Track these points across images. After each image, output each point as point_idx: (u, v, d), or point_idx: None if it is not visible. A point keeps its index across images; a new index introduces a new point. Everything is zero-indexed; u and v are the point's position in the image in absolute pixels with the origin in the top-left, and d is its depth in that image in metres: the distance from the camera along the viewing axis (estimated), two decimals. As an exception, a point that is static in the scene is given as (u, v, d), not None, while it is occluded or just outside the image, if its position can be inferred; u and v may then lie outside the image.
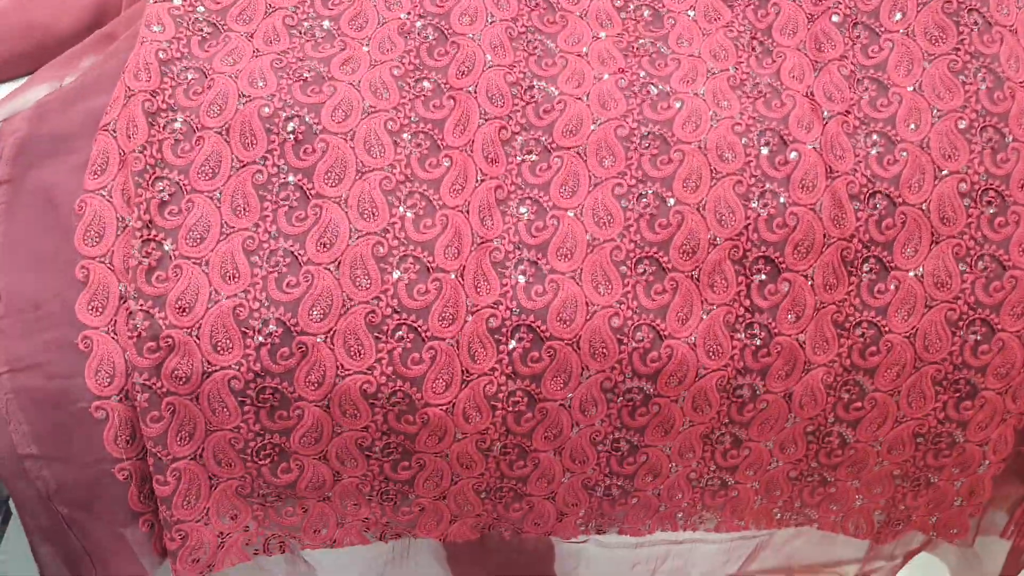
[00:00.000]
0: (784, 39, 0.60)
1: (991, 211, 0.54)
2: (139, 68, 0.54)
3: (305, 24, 0.58)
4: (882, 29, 0.58)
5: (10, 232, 0.52)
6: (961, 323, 0.54)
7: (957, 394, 0.56)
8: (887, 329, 0.54)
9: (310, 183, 0.53)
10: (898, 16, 0.58)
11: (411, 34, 0.58)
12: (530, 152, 0.56)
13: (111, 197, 0.52)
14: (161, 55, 0.54)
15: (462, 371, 0.51)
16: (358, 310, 0.50)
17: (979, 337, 0.54)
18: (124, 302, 0.50)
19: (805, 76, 0.58)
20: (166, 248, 0.51)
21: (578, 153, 0.55)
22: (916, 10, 0.58)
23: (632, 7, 0.61)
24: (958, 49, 0.57)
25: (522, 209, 0.54)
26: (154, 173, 0.52)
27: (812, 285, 0.53)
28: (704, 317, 0.53)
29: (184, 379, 0.49)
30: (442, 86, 0.57)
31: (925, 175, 0.54)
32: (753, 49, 0.59)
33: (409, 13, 0.59)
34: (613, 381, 0.52)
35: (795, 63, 0.58)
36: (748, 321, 0.53)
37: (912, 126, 0.55)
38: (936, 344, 0.54)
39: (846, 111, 0.56)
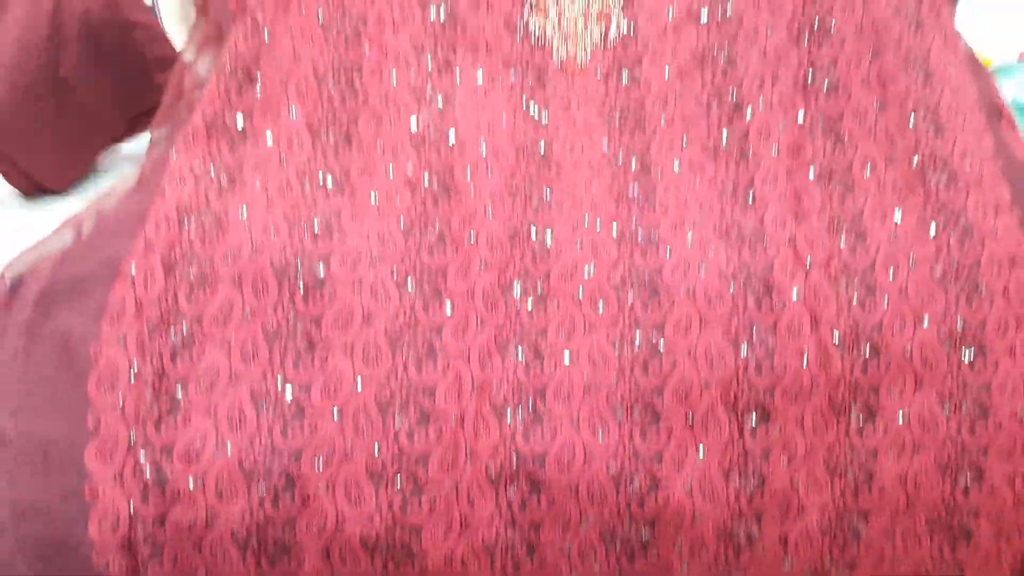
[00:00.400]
0: (766, 189, 0.63)
1: (970, 356, 0.56)
2: (160, 220, 0.57)
3: (318, 174, 0.62)
4: (858, 180, 0.62)
5: (26, 376, 0.54)
6: (950, 466, 0.55)
7: (951, 537, 0.56)
8: (878, 472, 0.55)
9: (317, 331, 0.55)
10: (868, 171, 0.62)
11: (416, 187, 0.62)
12: (528, 298, 0.58)
13: (126, 345, 0.54)
14: (181, 206, 0.58)
15: (461, 519, 0.52)
16: (359, 457, 0.52)
17: (968, 480, 0.55)
18: (132, 450, 0.51)
19: (788, 224, 0.61)
20: (177, 396, 0.53)
21: (573, 299, 0.58)
22: (884, 166, 0.62)
23: (620, 158, 0.66)
24: (928, 200, 0.61)
25: (520, 355, 0.56)
26: (168, 321, 0.55)
27: (803, 429, 0.55)
28: (699, 462, 0.54)
29: (188, 528, 0.50)
30: (445, 235, 0.60)
31: (906, 321, 0.56)
32: (737, 198, 0.63)
33: (412, 163, 0.63)
34: (612, 527, 0.53)
35: (777, 211, 0.62)
36: (742, 465, 0.55)
37: (891, 273, 0.58)
38: (927, 486, 0.55)
39: (827, 258, 0.59)
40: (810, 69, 0.67)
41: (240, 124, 0.62)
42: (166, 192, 0.59)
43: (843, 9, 0.66)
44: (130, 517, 0.50)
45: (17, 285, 0.58)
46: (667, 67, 0.69)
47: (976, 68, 0.70)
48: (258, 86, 0.62)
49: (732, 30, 0.69)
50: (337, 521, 0.51)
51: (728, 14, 0.69)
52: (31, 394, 0.53)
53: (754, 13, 0.69)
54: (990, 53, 1.13)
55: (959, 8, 1.09)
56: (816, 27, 0.68)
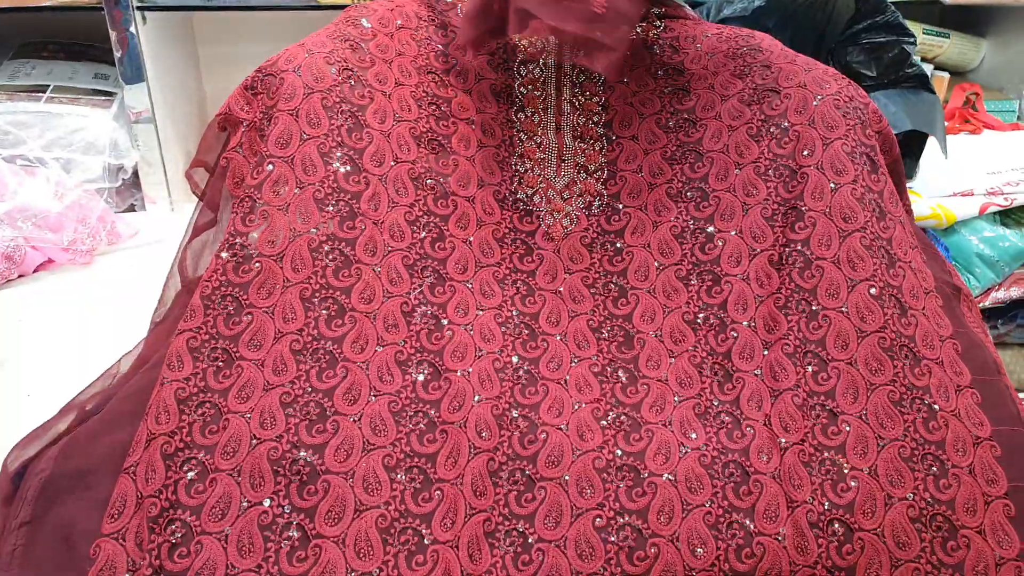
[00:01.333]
0: (743, 364, 0.67)
1: (942, 535, 0.58)
2: (159, 411, 0.59)
3: (310, 349, 0.63)
4: (829, 358, 0.66)
5: (24, 575, 0.54)
6: None
7: None
8: None
9: (311, 523, 0.57)
10: (841, 348, 0.66)
11: (407, 365, 0.65)
12: (515, 483, 0.61)
13: (124, 541, 0.55)
14: (179, 394, 0.60)
15: None
16: None
17: None
18: None
19: (763, 403, 0.64)
20: None
21: (559, 484, 0.60)
22: (857, 342, 0.66)
23: (607, 331, 0.70)
24: (895, 381, 0.64)
25: (508, 542, 0.58)
26: (168, 516, 0.56)
27: None
28: None
29: None
30: (435, 420, 0.62)
31: (876, 501, 0.59)
32: (715, 374, 0.67)
33: (405, 342, 0.66)
34: None
35: (753, 389, 0.65)
36: None
37: (861, 454, 0.61)
38: None
39: (801, 440, 0.62)
40: (784, 248, 0.71)
41: (236, 301, 0.64)
42: (165, 380, 0.60)
43: (812, 196, 0.71)
44: None
45: (20, 475, 0.59)
46: (649, 240, 0.75)
47: (931, 253, 0.75)
48: (255, 264, 0.64)
49: (711, 210, 0.74)
50: None
51: (707, 197, 0.75)
52: None
53: (730, 196, 0.74)
54: (953, 208, 1.20)
55: (923, 167, 1.17)
56: (788, 209, 0.73)
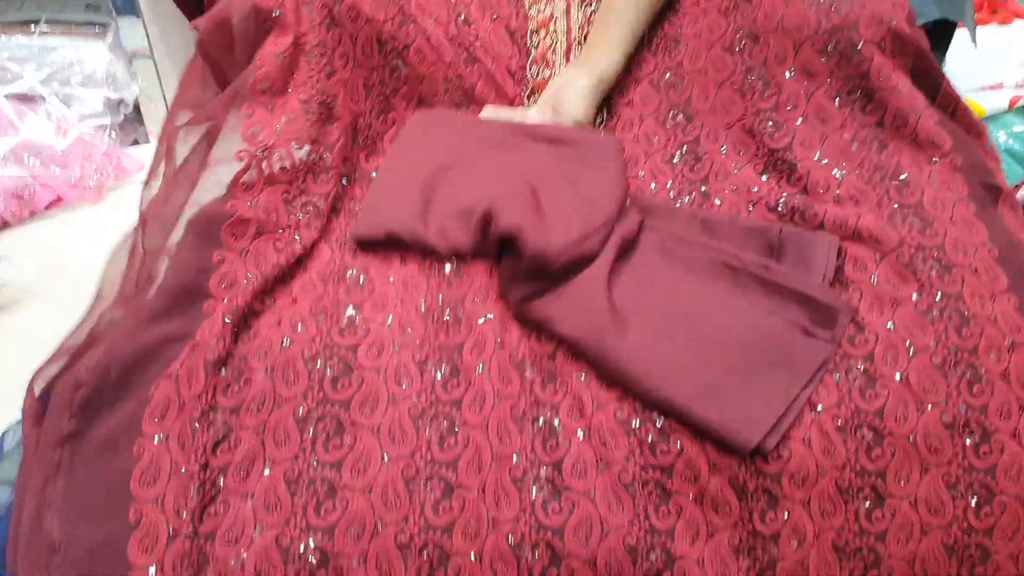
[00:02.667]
0: None
1: (974, 440, 0.58)
2: (214, 324, 0.61)
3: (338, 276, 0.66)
4: (849, 282, 0.65)
5: (70, 485, 0.56)
6: (957, 547, 0.57)
7: None
8: (887, 554, 0.57)
9: (347, 414, 0.58)
10: (860, 271, 0.65)
11: (429, 314, 0.65)
12: (540, 371, 0.62)
13: (168, 442, 0.56)
14: (227, 319, 0.62)
15: None
16: (388, 531, 0.54)
17: (975, 560, 0.57)
18: (172, 542, 0.53)
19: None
20: (219, 484, 0.55)
21: (582, 381, 0.61)
22: (876, 263, 0.65)
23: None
24: (921, 292, 0.63)
25: (535, 428, 0.59)
26: (209, 417, 0.57)
27: (810, 513, 0.56)
28: (710, 540, 0.56)
29: None
30: (459, 315, 0.64)
31: (908, 408, 0.58)
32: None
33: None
34: None
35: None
36: (751, 545, 0.56)
37: (890, 363, 0.60)
38: (935, 568, 0.57)
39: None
40: (780, 199, 0.72)
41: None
42: (216, 308, 0.63)
43: (802, 145, 0.73)
44: None
45: (49, 396, 0.60)
46: None
47: (970, 151, 0.72)
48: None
49: (705, 172, 0.76)
50: None
51: (701, 159, 0.76)
52: (76, 501, 0.55)
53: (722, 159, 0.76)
54: (982, 102, 1.15)
55: (951, 59, 1.12)
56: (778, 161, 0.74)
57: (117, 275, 0.67)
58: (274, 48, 0.73)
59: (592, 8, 0.86)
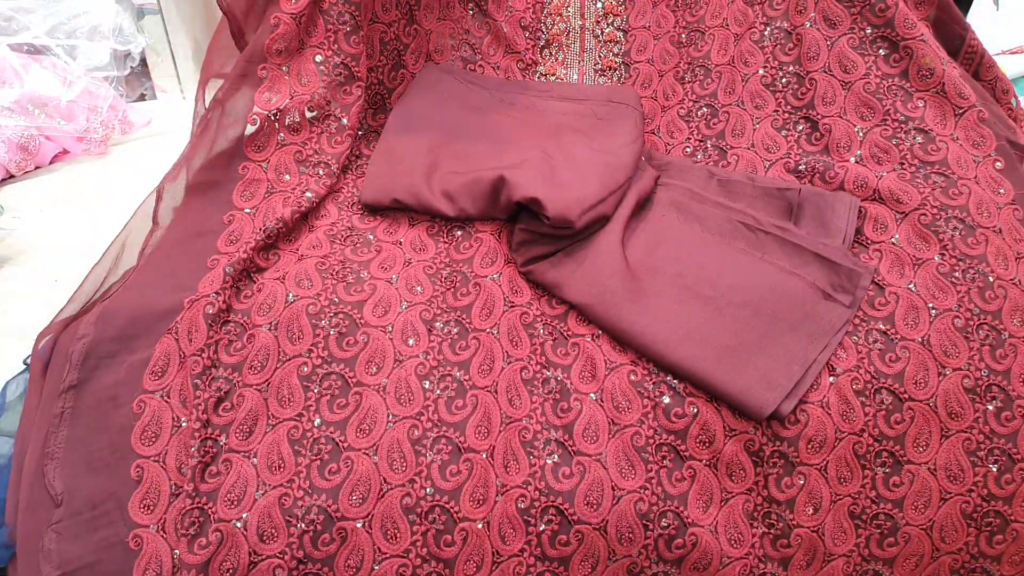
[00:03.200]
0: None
1: (996, 406, 0.56)
2: (214, 278, 0.60)
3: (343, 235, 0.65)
4: (868, 242, 0.63)
5: (72, 436, 0.55)
6: (976, 515, 0.56)
7: None
8: (904, 521, 0.55)
9: (352, 372, 0.57)
10: (880, 231, 0.64)
11: (437, 275, 0.64)
12: (551, 333, 0.60)
13: (169, 398, 0.55)
14: (227, 270, 0.60)
15: (492, 552, 0.53)
16: (394, 493, 0.53)
17: (994, 528, 0.56)
18: (174, 500, 0.52)
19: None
20: (221, 443, 0.54)
21: (593, 339, 0.59)
22: (896, 223, 0.64)
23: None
24: (943, 254, 0.61)
25: (546, 390, 0.57)
26: (211, 374, 0.56)
27: (827, 478, 0.55)
28: (724, 506, 0.55)
29: (231, 571, 0.51)
30: (468, 275, 0.63)
31: (929, 371, 0.57)
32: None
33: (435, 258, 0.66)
34: (639, 566, 0.54)
35: None
36: (766, 511, 0.55)
37: (911, 325, 0.58)
38: (952, 535, 0.56)
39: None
40: (800, 159, 0.71)
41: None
42: (215, 264, 0.61)
43: (823, 102, 0.71)
44: (173, 565, 0.51)
45: (52, 350, 0.59)
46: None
47: (994, 109, 0.70)
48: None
49: (721, 126, 0.72)
50: (374, 557, 0.51)
51: (717, 113, 0.71)
52: (76, 454, 0.54)
53: (739, 110, 0.73)
54: (1004, 65, 1.12)
55: (971, 22, 1.09)
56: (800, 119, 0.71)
57: (138, 241, 0.66)
58: (290, 7, 0.71)
59: None
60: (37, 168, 1.06)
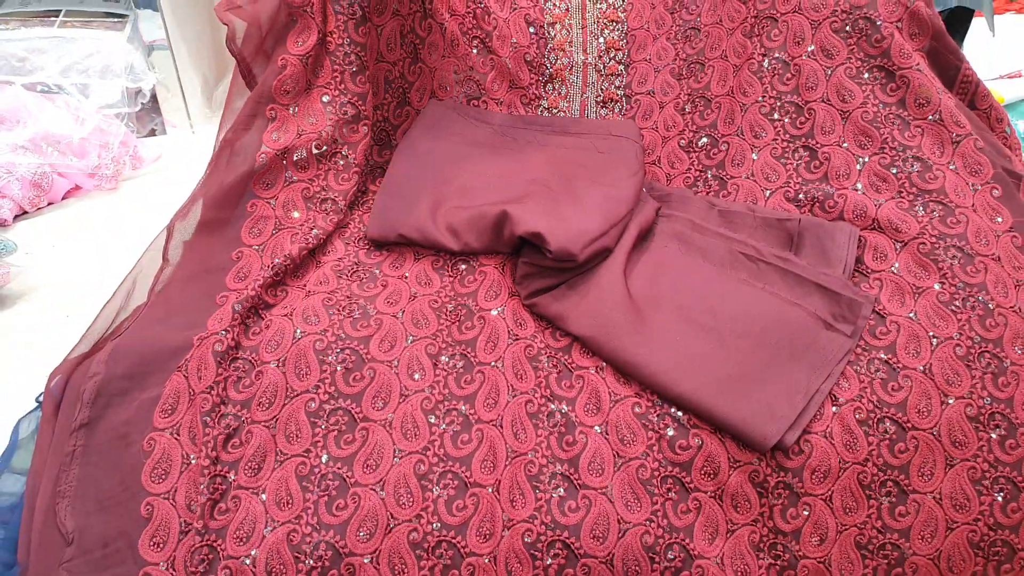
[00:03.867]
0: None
1: (999, 434, 0.57)
2: (224, 315, 0.60)
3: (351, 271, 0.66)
4: (869, 271, 0.64)
5: (84, 474, 0.55)
6: (983, 544, 0.55)
7: None
8: (911, 551, 0.55)
9: (358, 408, 0.57)
10: (880, 260, 0.64)
11: (442, 309, 0.65)
12: (555, 366, 0.60)
13: (178, 435, 0.55)
14: (236, 307, 0.61)
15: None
16: (401, 528, 0.53)
17: (1001, 557, 0.55)
18: (184, 538, 0.52)
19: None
20: (230, 479, 0.54)
21: (598, 372, 0.60)
22: (896, 252, 0.64)
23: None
24: (943, 283, 0.62)
25: (551, 423, 0.57)
26: (220, 411, 0.56)
27: (832, 508, 0.55)
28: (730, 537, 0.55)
29: None
30: (472, 309, 0.63)
31: (932, 400, 0.57)
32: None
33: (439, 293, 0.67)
34: None
35: None
36: (772, 542, 0.55)
37: (912, 354, 0.58)
38: (960, 565, 0.55)
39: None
40: (800, 188, 0.72)
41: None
42: (224, 301, 0.62)
43: (822, 131, 0.72)
44: None
45: (64, 388, 0.59)
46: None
47: (989, 139, 0.71)
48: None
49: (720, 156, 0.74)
50: None
51: (717, 143, 0.72)
52: (88, 493, 0.55)
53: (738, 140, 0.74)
54: (1000, 90, 1.13)
55: (968, 46, 1.10)
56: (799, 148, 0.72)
57: (148, 277, 0.67)
58: (297, 48, 0.73)
59: (604, 5, 0.86)
60: (50, 204, 1.08)
